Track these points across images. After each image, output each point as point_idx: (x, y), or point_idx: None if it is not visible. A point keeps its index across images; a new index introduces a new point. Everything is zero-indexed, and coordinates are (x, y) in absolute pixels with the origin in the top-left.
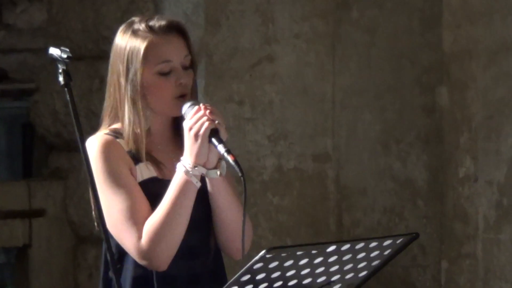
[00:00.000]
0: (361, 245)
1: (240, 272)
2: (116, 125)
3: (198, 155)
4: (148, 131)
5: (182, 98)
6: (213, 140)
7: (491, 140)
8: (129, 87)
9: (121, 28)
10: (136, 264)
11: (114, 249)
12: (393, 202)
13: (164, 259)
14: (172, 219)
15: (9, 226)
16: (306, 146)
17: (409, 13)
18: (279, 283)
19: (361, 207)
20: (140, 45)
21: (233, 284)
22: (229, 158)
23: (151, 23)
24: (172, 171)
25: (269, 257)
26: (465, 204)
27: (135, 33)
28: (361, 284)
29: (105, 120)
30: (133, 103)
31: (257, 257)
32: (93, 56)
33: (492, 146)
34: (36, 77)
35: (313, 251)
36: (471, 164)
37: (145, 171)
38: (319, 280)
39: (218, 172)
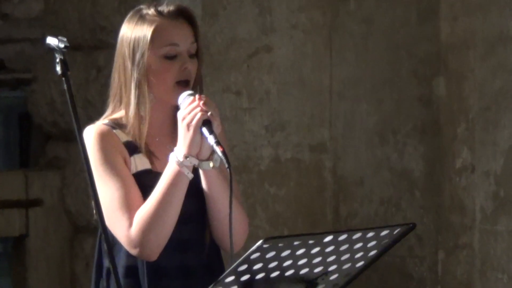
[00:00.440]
0: (358, 235)
1: (237, 262)
2: (118, 114)
3: (190, 146)
4: (149, 123)
5: (184, 84)
6: (203, 130)
7: (488, 131)
8: (135, 69)
9: (128, 16)
10: (128, 253)
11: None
12: (390, 192)
13: (153, 249)
14: (162, 209)
15: (6, 215)
16: (303, 136)
17: (406, 5)
18: (276, 273)
19: (358, 198)
20: (147, 28)
21: (231, 274)
22: (217, 149)
23: (160, 8)
24: (167, 164)
25: (266, 247)
26: (462, 195)
27: (143, 18)
28: (358, 274)
29: (110, 106)
30: (139, 85)
31: (254, 247)
32: (90, 46)
33: (489, 137)
34: (33, 67)
35: (310, 241)
36: (468, 155)
37: (139, 162)
38: (316, 270)
39: (211, 164)
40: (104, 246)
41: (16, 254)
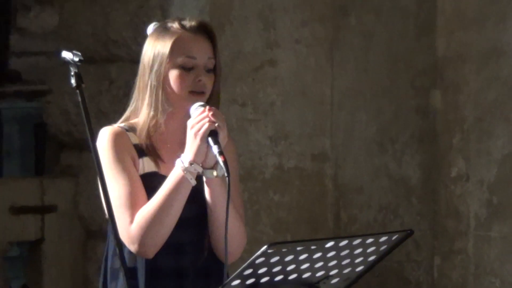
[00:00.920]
0: (358, 241)
1: (242, 266)
2: (134, 119)
3: (196, 153)
4: (161, 129)
5: (198, 94)
6: (209, 140)
7: (483, 141)
8: (153, 77)
9: (154, 29)
10: (129, 255)
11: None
12: (389, 199)
13: (150, 247)
14: (163, 210)
15: (22, 221)
16: (306, 146)
17: (404, 19)
18: (280, 277)
19: (357, 204)
20: (169, 39)
21: (236, 277)
22: (219, 159)
23: (184, 22)
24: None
25: (271, 252)
26: (457, 202)
27: (166, 30)
28: (358, 278)
29: (127, 110)
30: (155, 92)
31: (259, 252)
32: (103, 59)
33: (483, 147)
34: (48, 79)
35: (313, 247)
36: (463, 164)
37: (147, 165)
38: (318, 274)
39: (215, 173)
40: (112, 246)
41: (32, 257)
